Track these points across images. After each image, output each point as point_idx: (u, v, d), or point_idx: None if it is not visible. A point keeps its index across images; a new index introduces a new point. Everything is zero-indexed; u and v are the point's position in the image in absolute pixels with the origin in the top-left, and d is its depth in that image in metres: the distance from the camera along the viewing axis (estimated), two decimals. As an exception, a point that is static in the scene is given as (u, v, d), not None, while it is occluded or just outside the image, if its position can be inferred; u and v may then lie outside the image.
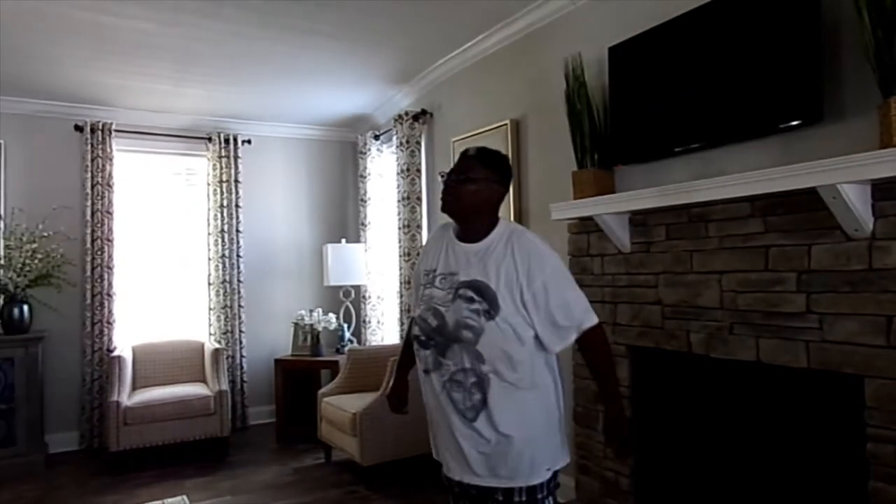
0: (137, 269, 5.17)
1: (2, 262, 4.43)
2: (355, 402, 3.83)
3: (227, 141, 5.31)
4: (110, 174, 4.90)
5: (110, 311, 4.87)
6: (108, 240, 4.88)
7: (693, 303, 2.49)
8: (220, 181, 5.27)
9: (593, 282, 2.97)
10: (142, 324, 5.13)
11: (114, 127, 4.90)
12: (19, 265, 4.35)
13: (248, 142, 5.44)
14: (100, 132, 4.85)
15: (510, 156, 3.71)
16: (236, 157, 5.34)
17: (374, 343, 5.27)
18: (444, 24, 3.65)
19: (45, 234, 4.52)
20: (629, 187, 2.82)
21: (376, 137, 5.33)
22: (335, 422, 3.96)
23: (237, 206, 5.32)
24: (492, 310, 1.64)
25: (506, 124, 3.75)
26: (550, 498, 1.75)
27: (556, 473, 1.75)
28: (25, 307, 4.38)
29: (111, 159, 4.91)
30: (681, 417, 2.72)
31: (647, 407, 2.81)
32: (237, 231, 5.31)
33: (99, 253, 4.84)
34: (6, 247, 4.46)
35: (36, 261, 4.40)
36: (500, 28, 3.71)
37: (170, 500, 2.59)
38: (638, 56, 2.74)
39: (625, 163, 2.87)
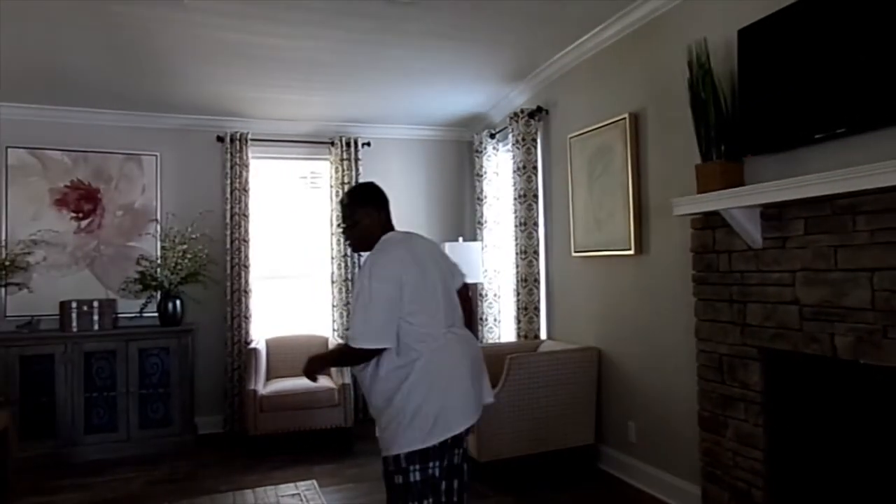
0: (270, 267, 5.56)
1: (159, 261, 4.95)
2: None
3: (348, 144, 5.57)
4: (246, 180, 5.31)
5: (247, 307, 5.27)
6: (244, 240, 5.29)
7: (838, 303, 2.27)
8: (342, 183, 5.53)
9: (719, 279, 2.80)
10: (273, 318, 5.51)
11: (249, 136, 5.31)
12: (172, 264, 4.84)
13: (368, 144, 5.67)
14: (238, 141, 5.27)
15: (629, 151, 3.59)
16: (357, 160, 5.58)
17: (491, 340, 5.30)
18: (559, 19, 3.60)
19: (193, 235, 4.99)
20: (758, 179, 2.63)
21: (492, 136, 5.36)
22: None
23: (359, 207, 5.55)
24: None
25: (624, 118, 3.63)
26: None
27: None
28: (178, 302, 4.87)
29: (247, 166, 5.31)
30: (822, 427, 2.49)
31: (782, 414, 2.61)
32: (359, 231, 5.54)
33: (237, 253, 5.26)
34: (162, 248, 4.97)
35: (186, 260, 4.87)
36: (617, 18, 3.59)
37: (301, 483, 2.78)
38: (772, 37, 2.54)
39: (755, 153, 2.68)
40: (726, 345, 2.79)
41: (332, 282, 5.53)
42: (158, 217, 5.10)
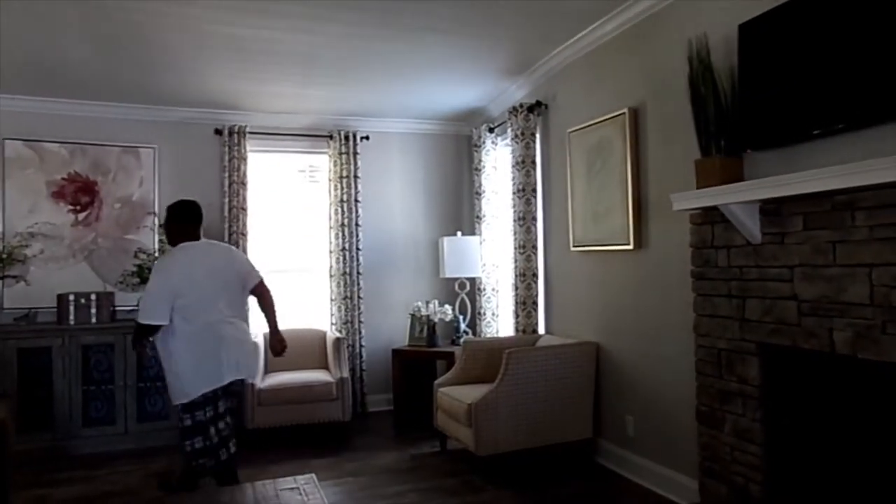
0: (267, 261, 5.54)
1: (156, 254, 4.93)
2: (471, 393, 3.88)
3: (346, 138, 5.55)
4: (244, 173, 5.29)
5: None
6: (243, 234, 5.28)
7: (837, 298, 2.28)
8: (340, 177, 5.52)
9: (718, 275, 2.81)
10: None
11: (247, 129, 5.29)
12: (169, 257, 4.82)
13: (367, 138, 5.66)
14: (236, 134, 5.25)
15: (628, 146, 3.59)
16: (355, 154, 5.56)
17: (489, 335, 5.31)
18: (558, 13, 3.58)
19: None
20: (758, 175, 2.63)
21: (491, 130, 5.35)
22: (451, 412, 4.04)
23: (356, 200, 5.55)
24: None
25: (623, 113, 3.63)
26: None
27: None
28: (174, 295, 4.85)
29: (245, 159, 5.29)
30: (819, 422, 2.50)
31: (779, 409, 2.62)
32: (356, 224, 5.54)
33: (235, 246, 5.24)
34: (160, 241, 4.95)
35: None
36: (617, 13, 3.58)
37: (300, 476, 2.79)
38: (773, 31, 2.54)
39: (755, 148, 2.68)
40: (724, 340, 2.79)
41: (331, 276, 5.52)
42: (156, 210, 5.08)
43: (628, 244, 3.62)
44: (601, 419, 4.00)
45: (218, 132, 5.27)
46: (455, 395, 4.02)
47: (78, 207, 4.92)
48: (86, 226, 4.95)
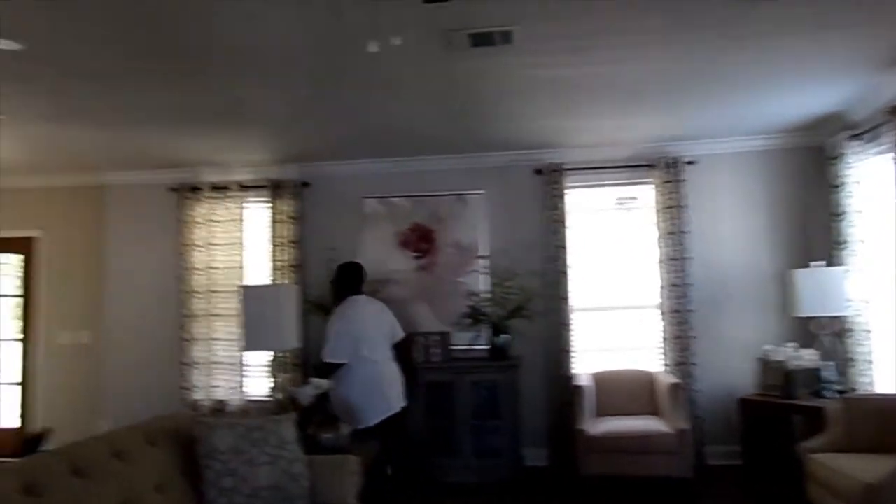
0: (589, 299, 5.38)
1: (487, 296, 5.16)
2: (864, 467, 3.10)
3: (669, 165, 5.14)
4: (563, 210, 5.25)
5: (567, 340, 5.18)
6: (563, 272, 5.22)
7: None
8: (665, 206, 5.12)
9: None
10: (597, 351, 5.31)
11: (565, 166, 5.26)
12: (500, 299, 4.99)
13: (692, 163, 5.17)
14: (555, 172, 5.26)
15: None
16: (680, 180, 5.11)
17: (864, 387, 4.30)
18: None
19: (518, 271, 5.08)
20: None
21: (855, 137, 4.40)
22: (833, 487, 3.28)
23: (683, 231, 5.08)
24: None
25: None
26: None
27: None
28: (506, 336, 4.99)
29: (562, 196, 5.26)
30: None
31: None
32: (684, 258, 5.07)
33: (555, 285, 5.21)
34: (493, 284, 5.18)
35: (512, 295, 4.98)
36: None
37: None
38: None
39: None
40: None
41: (662, 312, 5.12)
42: (483, 252, 5.33)
43: None
44: None
45: (538, 172, 5.35)
46: (839, 467, 3.26)
47: (419, 254, 5.44)
48: (424, 270, 5.43)
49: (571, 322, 5.21)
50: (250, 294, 4.16)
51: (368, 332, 3.71)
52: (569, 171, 5.28)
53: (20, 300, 5.93)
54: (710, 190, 5.19)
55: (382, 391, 3.68)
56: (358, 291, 3.86)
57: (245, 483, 2.50)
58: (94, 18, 2.85)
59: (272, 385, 5.33)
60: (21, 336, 5.86)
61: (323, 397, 3.46)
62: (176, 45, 3.18)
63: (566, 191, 5.28)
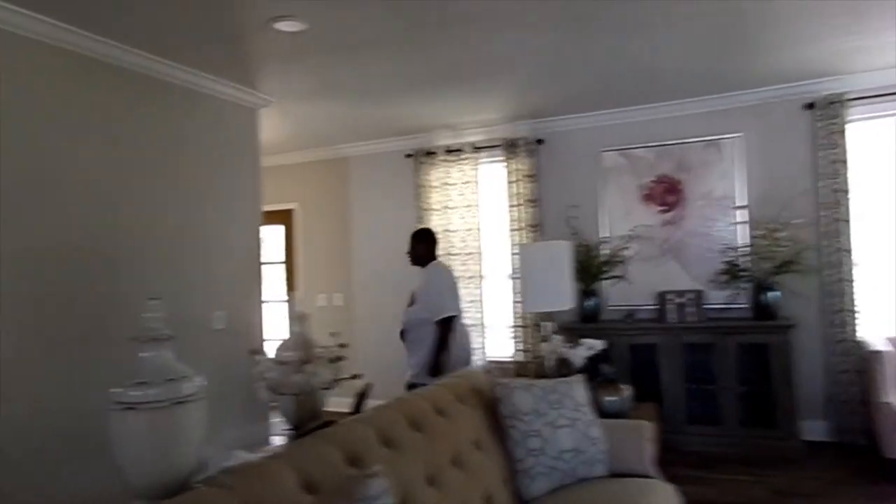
0: (877, 251, 4.58)
1: (748, 250, 4.62)
2: None
3: None
4: (844, 149, 4.49)
5: (851, 299, 4.47)
6: (844, 220, 4.48)
7: None
8: None
9: None
10: (885, 312, 4.51)
11: (847, 96, 4.46)
12: (765, 253, 4.43)
13: None
14: (832, 105, 4.49)
15: None
16: None
17: None
18: None
19: (785, 221, 4.47)
20: None
21: None
22: None
23: None
24: None
25: None
26: None
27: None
28: (773, 294, 4.44)
29: (843, 132, 4.49)
30: None
31: None
32: None
33: (833, 235, 4.50)
34: (752, 236, 4.63)
35: (781, 248, 4.39)
36: None
37: None
38: None
39: None
40: None
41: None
42: (741, 202, 4.77)
43: None
44: None
45: (809, 106, 4.61)
46: None
47: (665, 208, 5.03)
48: (672, 224, 5.02)
49: (854, 278, 4.48)
50: (527, 253, 4.16)
51: (457, 291, 4.00)
52: (851, 102, 4.48)
53: (284, 267, 6.62)
54: None
55: (466, 344, 3.99)
56: (435, 255, 4.11)
57: (549, 445, 2.44)
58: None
59: (520, 348, 5.33)
60: (287, 299, 6.56)
61: (596, 359, 3.32)
62: (445, 9, 3.16)
63: (846, 126, 4.49)
